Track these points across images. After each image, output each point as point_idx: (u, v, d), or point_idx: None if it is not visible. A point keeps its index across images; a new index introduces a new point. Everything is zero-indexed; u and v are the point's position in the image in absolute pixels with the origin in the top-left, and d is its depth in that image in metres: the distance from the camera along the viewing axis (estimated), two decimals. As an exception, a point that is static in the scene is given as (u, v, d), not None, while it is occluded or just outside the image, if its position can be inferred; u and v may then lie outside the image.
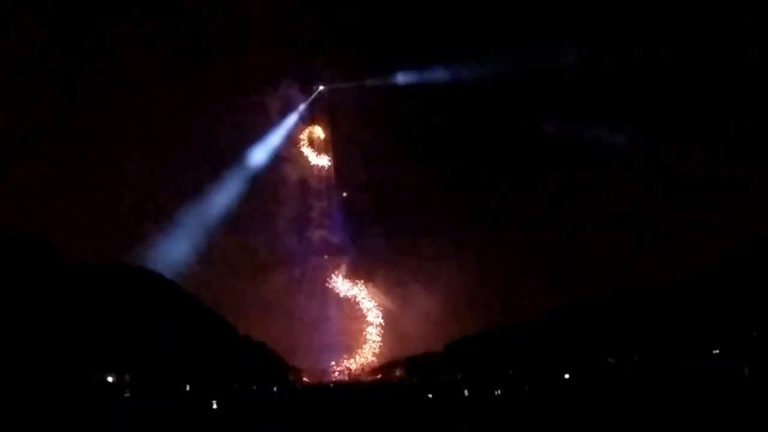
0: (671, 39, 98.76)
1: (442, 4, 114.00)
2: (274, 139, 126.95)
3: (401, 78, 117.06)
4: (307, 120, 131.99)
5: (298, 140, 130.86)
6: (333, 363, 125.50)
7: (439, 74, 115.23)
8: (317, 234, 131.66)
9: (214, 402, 48.71)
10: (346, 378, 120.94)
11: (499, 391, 56.22)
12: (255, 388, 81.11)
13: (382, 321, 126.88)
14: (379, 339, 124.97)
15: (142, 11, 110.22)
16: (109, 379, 42.02)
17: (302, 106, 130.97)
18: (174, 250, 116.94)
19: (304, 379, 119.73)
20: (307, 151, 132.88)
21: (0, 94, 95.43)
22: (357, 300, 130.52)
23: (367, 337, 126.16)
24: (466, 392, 57.45)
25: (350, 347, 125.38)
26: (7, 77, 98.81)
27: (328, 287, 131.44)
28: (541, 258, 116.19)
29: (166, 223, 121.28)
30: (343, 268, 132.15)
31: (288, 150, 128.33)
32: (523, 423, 36.03)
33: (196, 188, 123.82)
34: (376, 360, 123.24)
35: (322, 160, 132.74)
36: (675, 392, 34.71)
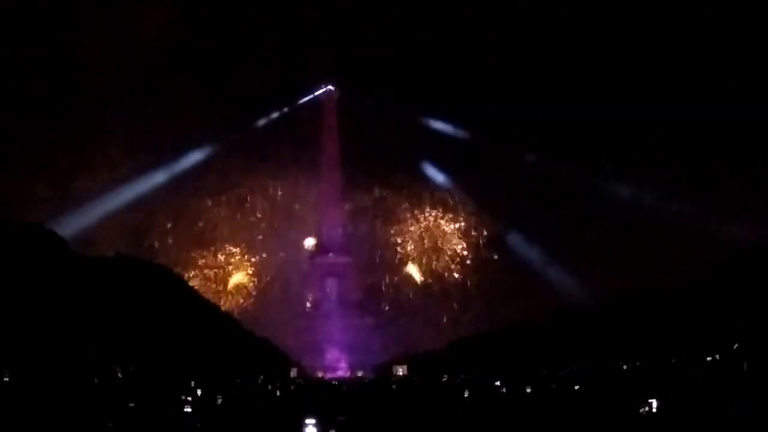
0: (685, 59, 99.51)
1: (453, 13, 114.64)
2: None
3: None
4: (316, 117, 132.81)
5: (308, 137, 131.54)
6: (335, 360, 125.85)
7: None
8: (323, 231, 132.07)
9: (219, 397, 48.98)
10: (348, 375, 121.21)
11: (504, 389, 56.41)
12: (258, 383, 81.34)
13: (385, 318, 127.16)
14: (382, 336, 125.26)
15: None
16: (117, 372, 42.33)
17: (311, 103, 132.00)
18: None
19: (307, 375, 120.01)
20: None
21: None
22: (360, 297, 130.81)
23: (370, 334, 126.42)
24: (466, 393, 57.62)
25: (353, 344, 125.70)
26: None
27: (332, 285, 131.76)
28: (547, 258, 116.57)
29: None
30: (349, 266, 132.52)
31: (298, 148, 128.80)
32: (525, 424, 36.17)
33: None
34: (378, 358, 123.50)
35: (332, 163, 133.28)
36: (677, 391, 34.88)
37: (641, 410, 33.09)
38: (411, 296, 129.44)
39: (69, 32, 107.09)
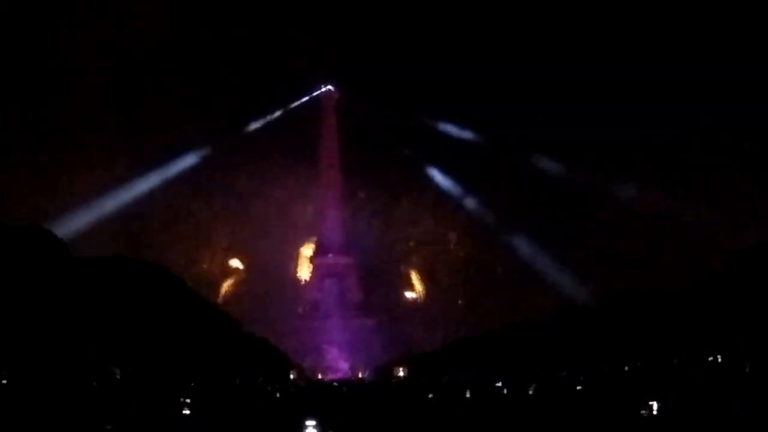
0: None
1: (455, 9, 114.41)
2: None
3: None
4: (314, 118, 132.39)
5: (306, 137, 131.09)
6: (335, 361, 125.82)
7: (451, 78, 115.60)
8: (323, 232, 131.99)
9: (218, 399, 48.86)
10: (348, 376, 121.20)
11: (505, 390, 56.33)
12: (258, 384, 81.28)
13: (385, 319, 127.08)
14: (382, 337, 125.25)
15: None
16: (116, 373, 42.19)
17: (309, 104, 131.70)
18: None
19: (307, 376, 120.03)
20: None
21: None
22: (360, 298, 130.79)
23: (371, 334, 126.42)
24: (468, 393, 57.50)
25: (353, 345, 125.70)
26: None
27: (332, 285, 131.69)
28: (547, 259, 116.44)
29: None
30: (348, 267, 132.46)
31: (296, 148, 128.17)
32: (526, 426, 36.06)
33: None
34: (378, 359, 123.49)
35: (331, 163, 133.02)
36: (678, 393, 34.75)
37: (642, 412, 32.96)
38: (411, 297, 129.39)
39: (63, 31, 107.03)
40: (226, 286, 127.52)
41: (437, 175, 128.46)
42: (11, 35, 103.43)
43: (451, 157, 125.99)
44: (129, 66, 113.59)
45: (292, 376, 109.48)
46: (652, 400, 32.93)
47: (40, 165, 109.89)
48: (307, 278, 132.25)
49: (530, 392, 53.11)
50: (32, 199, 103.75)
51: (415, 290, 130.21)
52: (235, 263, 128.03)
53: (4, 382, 34.95)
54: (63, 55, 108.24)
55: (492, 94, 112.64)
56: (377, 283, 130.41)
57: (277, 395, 70.96)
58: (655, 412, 32.64)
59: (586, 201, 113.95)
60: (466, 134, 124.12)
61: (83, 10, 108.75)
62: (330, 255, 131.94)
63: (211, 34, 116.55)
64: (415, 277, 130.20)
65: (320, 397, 60.71)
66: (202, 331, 58.98)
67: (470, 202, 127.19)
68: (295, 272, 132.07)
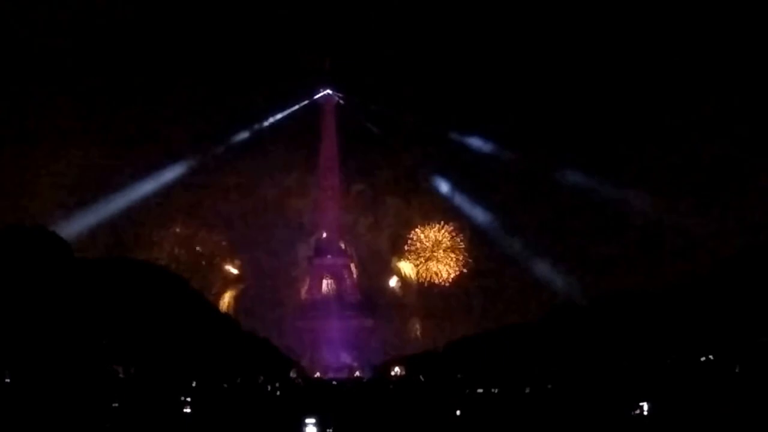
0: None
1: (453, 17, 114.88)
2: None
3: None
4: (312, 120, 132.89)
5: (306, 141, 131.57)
6: (334, 360, 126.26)
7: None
8: (322, 233, 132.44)
9: (219, 397, 49.47)
10: (347, 375, 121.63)
11: (498, 390, 56.79)
12: (258, 383, 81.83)
13: (383, 319, 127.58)
14: (380, 336, 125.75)
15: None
16: (119, 372, 42.84)
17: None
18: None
19: (306, 375, 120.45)
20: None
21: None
22: (358, 298, 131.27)
23: (369, 334, 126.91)
24: (464, 391, 58.06)
25: (352, 345, 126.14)
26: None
27: (330, 286, 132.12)
28: (539, 261, 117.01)
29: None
30: (347, 267, 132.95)
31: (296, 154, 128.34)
32: (523, 423, 36.65)
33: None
34: (376, 358, 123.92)
35: (330, 165, 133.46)
36: (669, 394, 35.36)
37: (633, 413, 33.49)
38: (409, 298, 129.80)
39: (62, 33, 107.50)
40: (225, 287, 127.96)
41: (436, 178, 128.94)
42: (9, 36, 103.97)
43: (450, 159, 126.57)
44: (129, 67, 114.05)
45: (291, 375, 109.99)
46: (643, 401, 33.46)
47: (30, 167, 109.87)
48: (306, 279, 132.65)
49: (526, 391, 53.68)
50: (23, 200, 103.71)
51: (413, 292, 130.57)
52: (233, 269, 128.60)
53: (8, 381, 35.63)
54: (62, 56, 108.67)
55: (492, 97, 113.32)
56: (376, 282, 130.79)
57: (277, 394, 71.55)
58: (645, 413, 33.16)
59: (580, 204, 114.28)
60: (465, 138, 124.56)
61: (82, 11, 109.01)
62: (328, 256, 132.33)
63: (210, 38, 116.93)
64: (413, 279, 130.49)
65: (319, 396, 61.31)
66: (204, 331, 59.62)
67: (468, 205, 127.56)
68: (294, 273, 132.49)
